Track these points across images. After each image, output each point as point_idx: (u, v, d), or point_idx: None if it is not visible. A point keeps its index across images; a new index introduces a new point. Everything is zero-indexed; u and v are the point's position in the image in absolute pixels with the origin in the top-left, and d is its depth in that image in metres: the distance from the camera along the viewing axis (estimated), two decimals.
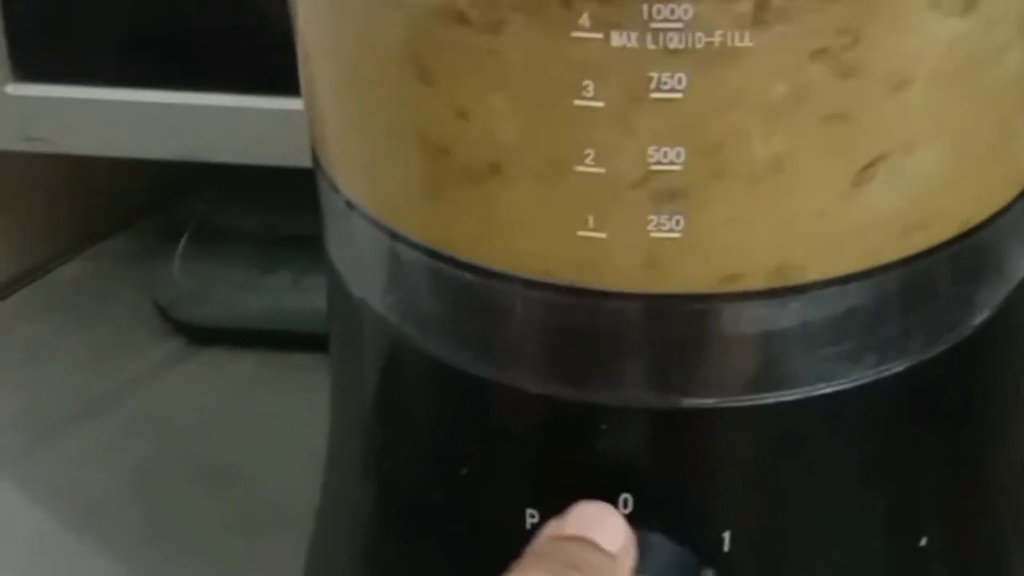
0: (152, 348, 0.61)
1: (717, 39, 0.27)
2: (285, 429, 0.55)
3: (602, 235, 0.30)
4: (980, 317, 0.33)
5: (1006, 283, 0.33)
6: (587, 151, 0.29)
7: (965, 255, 0.32)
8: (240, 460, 0.55)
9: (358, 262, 0.35)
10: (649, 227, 0.30)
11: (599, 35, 0.28)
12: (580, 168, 0.29)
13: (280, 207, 0.60)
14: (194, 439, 0.57)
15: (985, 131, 0.31)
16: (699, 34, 0.27)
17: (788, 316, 0.31)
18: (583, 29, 0.27)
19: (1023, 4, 0.30)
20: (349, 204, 0.34)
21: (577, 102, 0.28)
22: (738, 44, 0.28)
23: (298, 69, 0.35)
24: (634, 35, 0.27)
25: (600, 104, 0.28)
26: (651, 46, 0.28)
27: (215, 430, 0.57)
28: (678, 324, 0.31)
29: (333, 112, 0.34)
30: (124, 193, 0.68)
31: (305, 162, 0.37)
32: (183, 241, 0.64)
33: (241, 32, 0.56)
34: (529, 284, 0.31)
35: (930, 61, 0.29)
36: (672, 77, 0.28)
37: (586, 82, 0.28)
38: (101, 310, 0.63)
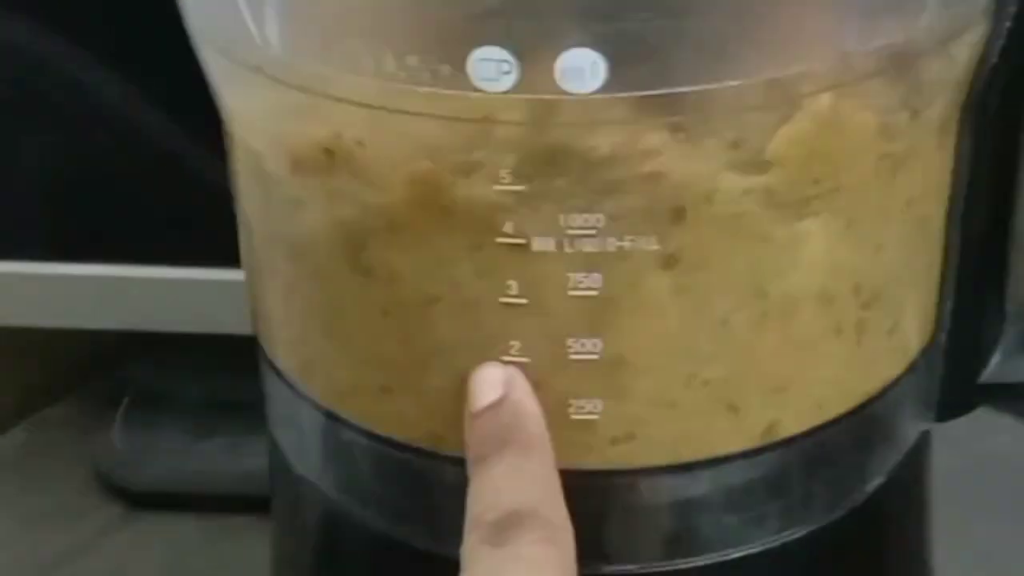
0: (93, 514, 0.63)
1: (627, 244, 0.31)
2: None
3: None
4: (874, 483, 0.36)
5: (897, 450, 0.36)
6: (512, 343, 0.32)
7: (860, 427, 0.35)
8: None
9: (299, 439, 0.38)
10: (570, 410, 0.32)
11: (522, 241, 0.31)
12: (506, 358, 0.32)
13: (218, 372, 0.62)
14: None
15: (874, 319, 0.34)
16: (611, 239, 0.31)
17: (701, 487, 0.34)
18: (507, 236, 0.30)
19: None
20: (289, 385, 0.37)
21: (502, 300, 0.31)
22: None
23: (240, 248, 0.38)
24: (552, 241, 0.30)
25: (523, 301, 0.31)
26: (568, 250, 0.31)
27: None
28: (600, 497, 0.34)
29: (273, 302, 0.37)
30: (64, 360, 0.69)
31: (243, 329, 0.39)
32: (123, 407, 0.66)
33: (183, 205, 0.58)
34: (457, 462, 0.34)
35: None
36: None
37: (510, 282, 0.31)
38: (42, 477, 0.65)
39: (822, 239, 0.32)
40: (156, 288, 0.60)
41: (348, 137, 0.31)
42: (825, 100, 0.30)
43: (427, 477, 0.34)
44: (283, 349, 0.37)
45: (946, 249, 0.35)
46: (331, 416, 0.36)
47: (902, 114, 0.32)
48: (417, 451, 0.34)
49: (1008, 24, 0.32)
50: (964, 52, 0.32)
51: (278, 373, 0.37)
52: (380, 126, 0.30)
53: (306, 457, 0.37)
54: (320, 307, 0.34)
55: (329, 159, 0.31)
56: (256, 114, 0.34)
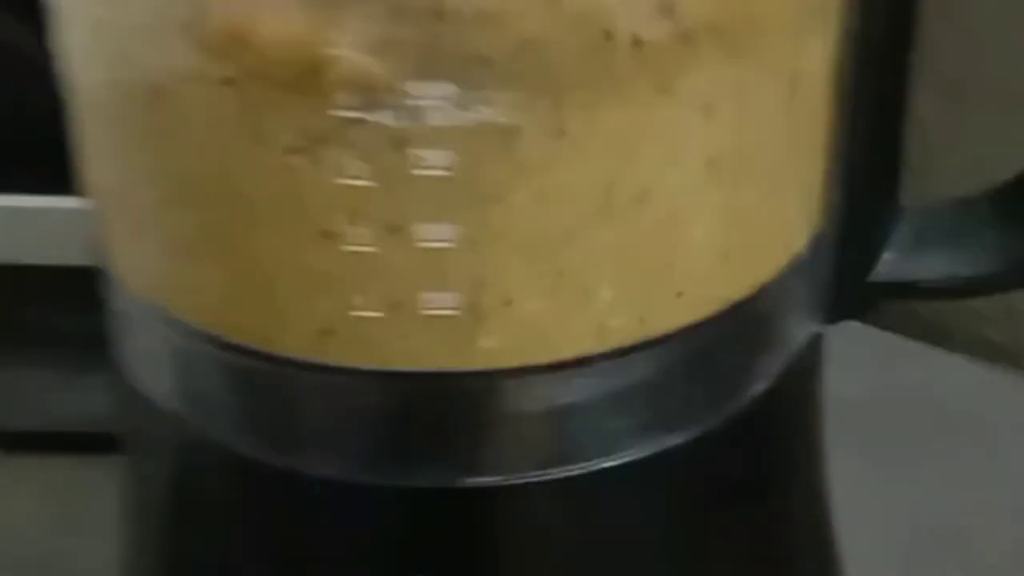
0: None
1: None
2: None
3: (378, 314, 0.30)
4: (758, 387, 0.34)
5: (781, 353, 0.34)
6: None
7: (737, 326, 0.33)
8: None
9: (147, 360, 0.35)
10: (423, 306, 0.30)
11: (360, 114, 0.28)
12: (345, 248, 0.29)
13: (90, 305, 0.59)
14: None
15: (747, 205, 0.32)
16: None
17: (571, 392, 0.32)
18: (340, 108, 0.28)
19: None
20: (133, 301, 0.34)
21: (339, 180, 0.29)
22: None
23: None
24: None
25: (367, 183, 0.29)
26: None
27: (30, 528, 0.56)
28: (461, 402, 0.31)
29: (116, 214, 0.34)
30: None
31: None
32: None
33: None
34: (307, 367, 0.31)
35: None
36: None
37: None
38: None
39: (699, 97, 0.29)
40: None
41: None
42: None
43: (271, 384, 0.32)
44: (122, 253, 0.34)
45: (833, 123, 0.33)
46: (176, 326, 0.33)
47: None
48: (257, 354, 0.31)
49: None
50: None
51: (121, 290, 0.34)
52: None
53: (154, 377, 0.35)
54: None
55: None
56: None
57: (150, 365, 0.35)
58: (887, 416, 0.60)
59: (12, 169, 0.56)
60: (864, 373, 0.60)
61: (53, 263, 0.57)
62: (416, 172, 0.28)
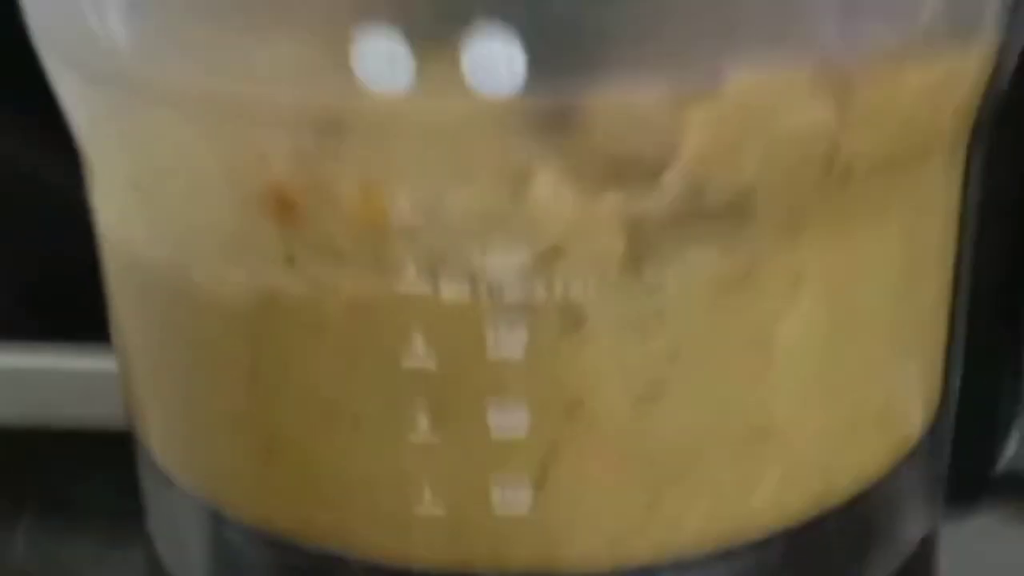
0: None
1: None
2: None
3: (440, 513, 0.26)
4: None
5: (893, 555, 0.30)
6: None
7: (848, 526, 0.29)
8: None
9: (179, 546, 0.31)
10: (493, 504, 0.26)
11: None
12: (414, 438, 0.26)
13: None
14: None
15: (857, 384, 0.28)
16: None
17: None
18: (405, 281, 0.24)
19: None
20: (167, 479, 0.31)
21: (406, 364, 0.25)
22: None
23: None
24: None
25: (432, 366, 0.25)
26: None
27: None
28: None
29: (148, 383, 0.30)
30: None
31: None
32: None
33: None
34: (364, 568, 0.28)
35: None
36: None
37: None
38: None
39: (798, 291, 0.26)
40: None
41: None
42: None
43: None
44: (159, 431, 0.31)
45: (953, 308, 0.29)
46: (217, 515, 0.29)
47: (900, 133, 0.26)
48: (308, 553, 0.28)
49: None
50: (969, 65, 0.26)
51: (152, 460, 0.31)
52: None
53: (185, 561, 0.31)
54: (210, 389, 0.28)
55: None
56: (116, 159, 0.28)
57: (182, 546, 0.31)
58: None
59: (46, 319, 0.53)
60: None
61: (90, 427, 0.54)
62: (489, 355, 0.25)
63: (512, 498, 0.26)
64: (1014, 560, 0.39)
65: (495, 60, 0.22)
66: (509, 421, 0.25)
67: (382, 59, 0.22)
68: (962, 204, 0.28)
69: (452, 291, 0.24)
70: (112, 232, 0.29)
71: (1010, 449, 0.32)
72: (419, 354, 0.25)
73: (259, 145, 0.24)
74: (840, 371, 0.28)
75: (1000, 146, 0.29)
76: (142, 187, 0.26)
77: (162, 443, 0.31)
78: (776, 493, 0.28)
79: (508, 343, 0.24)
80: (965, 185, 0.29)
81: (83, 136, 0.28)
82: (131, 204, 0.27)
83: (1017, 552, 0.39)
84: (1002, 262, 0.31)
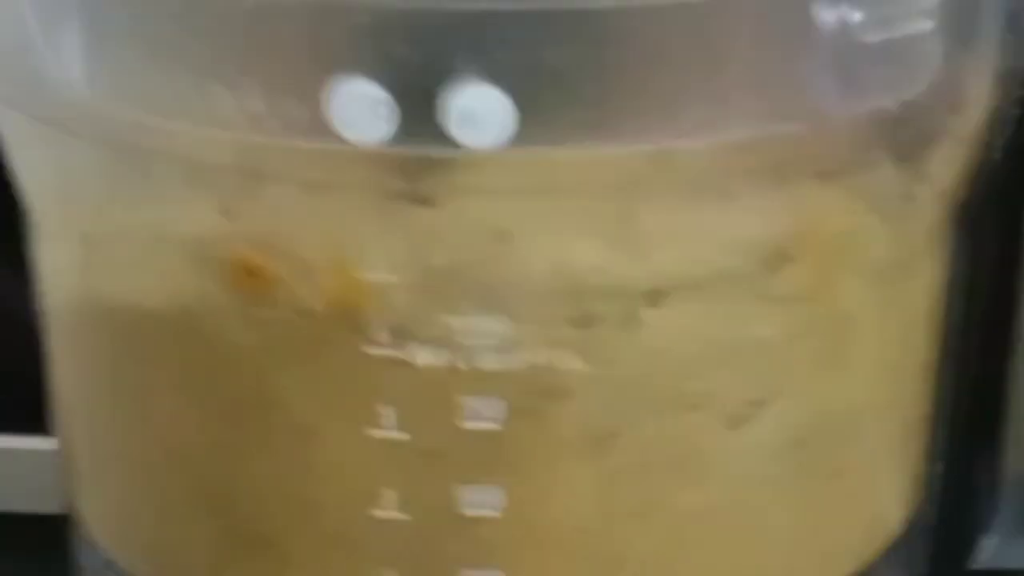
0: None
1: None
2: None
3: None
4: None
5: None
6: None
7: None
8: None
9: None
10: None
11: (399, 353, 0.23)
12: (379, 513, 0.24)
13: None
14: None
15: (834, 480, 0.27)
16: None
17: None
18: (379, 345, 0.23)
19: None
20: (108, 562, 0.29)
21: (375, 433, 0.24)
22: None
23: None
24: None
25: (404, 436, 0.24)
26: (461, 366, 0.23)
27: None
28: None
29: (89, 457, 0.29)
30: None
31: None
32: None
33: None
34: None
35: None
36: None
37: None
38: None
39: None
40: None
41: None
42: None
43: None
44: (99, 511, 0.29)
45: (933, 406, 0.28)
46: None
47: (884, 211, 0.25)
48: None
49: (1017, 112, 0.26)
50: (964, 131, 0.26)
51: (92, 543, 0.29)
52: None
53: None
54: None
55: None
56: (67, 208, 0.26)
57: None
58: None
59: None
60: None
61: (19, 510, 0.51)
62: (462, 425, 0.23)
63: None
64: None
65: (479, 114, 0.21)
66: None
67: (363, 110, 0.21)
68: (941, 292, 0.28)
69: (425, 357, 0.23)
70: (55, 289, 0.27)
71: (988, 546, 0.31)
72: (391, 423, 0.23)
73: (220, 201, 0.22)
74: (817, 471, 0.27)
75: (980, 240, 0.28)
76: (89, 241, 0.25)
77: (104, 522, 0.29)
78: None
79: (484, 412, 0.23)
80: (944, 267, 0.28)
81: (28, 186, 0.26)
82: (76, 259, 0.26)
83: None
84: (981, 360, 0.30)
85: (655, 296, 0.23)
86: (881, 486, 0.29)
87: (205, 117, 0.22)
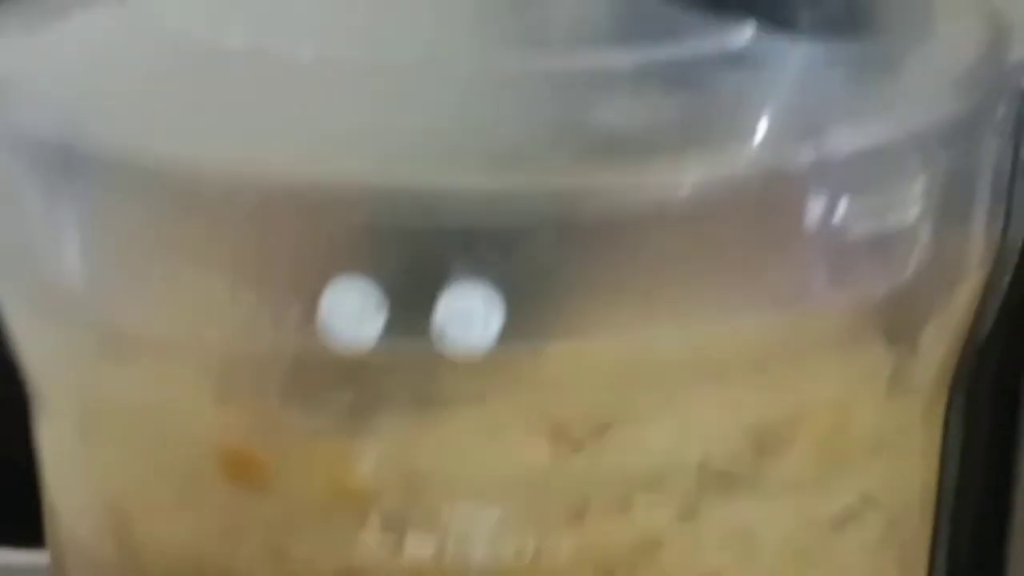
0: None
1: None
2: None
3: None
4: None
5: None
6: None
7: None
8: None
9: None
10: None
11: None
12: None
13: None
14: None
15: None
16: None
17: None
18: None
19: None
20: None
21: None
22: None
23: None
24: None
25: None
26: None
27: None
28: None
29: None
30: None
31: None
32: None
33: None
34: None
35: None
36: None
37: None
38: None
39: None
40: None
41: None
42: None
43: None
44: None
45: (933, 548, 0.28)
46: None
47: (875, 390, 0.25)
48: None
49: (1007, 279, 0.26)
50: (956, 303, 0.25)
51: None
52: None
53: None
54: None
55: None
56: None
57: None
58: None
59: None
60: None
61: None
62: None
63: None
64: None
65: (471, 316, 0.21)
66: None
67: (353, 311, 0.21)
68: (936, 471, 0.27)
69: (417, 548, 0.23)
70: (56, 475, 0.27)
71: None
72: None
73: (218, 399, 0.22)
74: None
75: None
76: (86, 430, 0.25)
77: None
78: None
79: None
80: (945, 432, 0.28)
81: (33, 371, 0.27)
82: (76, 446, 0.26)
83: None
84: (977, 519, 0.30)
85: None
86: None
87: (203, 317, 0.22)
